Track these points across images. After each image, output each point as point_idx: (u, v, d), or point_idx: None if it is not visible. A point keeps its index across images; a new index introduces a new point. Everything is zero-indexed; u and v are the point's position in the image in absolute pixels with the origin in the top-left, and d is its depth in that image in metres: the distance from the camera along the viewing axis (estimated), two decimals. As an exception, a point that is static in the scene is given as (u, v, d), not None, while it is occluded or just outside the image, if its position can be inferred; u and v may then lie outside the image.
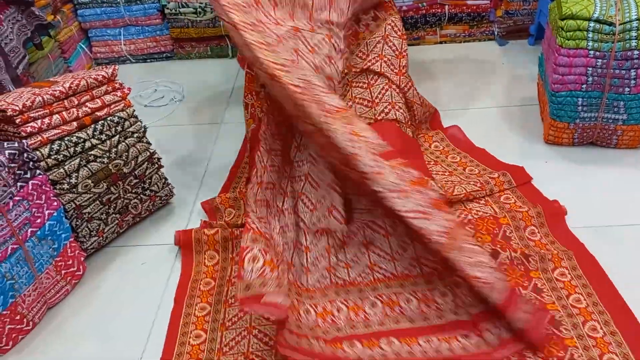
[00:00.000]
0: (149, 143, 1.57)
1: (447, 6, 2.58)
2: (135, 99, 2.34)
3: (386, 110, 1.72)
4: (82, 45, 2.72)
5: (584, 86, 1.67)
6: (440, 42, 2.66)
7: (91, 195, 1.45)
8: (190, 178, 1.82)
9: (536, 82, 2.07)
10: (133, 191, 1.55)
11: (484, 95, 2.17)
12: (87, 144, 1.43)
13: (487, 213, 1.55)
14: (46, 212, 1.33)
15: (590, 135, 1.76)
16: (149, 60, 2.79)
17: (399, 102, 1.77)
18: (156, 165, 1.59)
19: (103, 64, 2.80)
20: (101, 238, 1.51)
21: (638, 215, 1.51)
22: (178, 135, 2.09)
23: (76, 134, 1.41)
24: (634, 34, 1.57)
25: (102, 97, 1.46)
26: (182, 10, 2.60)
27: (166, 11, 2.63)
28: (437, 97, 2.12)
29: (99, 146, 1.45)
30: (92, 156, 1.43)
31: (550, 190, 1.60)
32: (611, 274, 1.32)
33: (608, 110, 1.68)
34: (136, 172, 1.54)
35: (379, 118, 1.71)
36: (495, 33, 2.60)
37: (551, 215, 1.51)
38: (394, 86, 1.76)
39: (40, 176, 1.32)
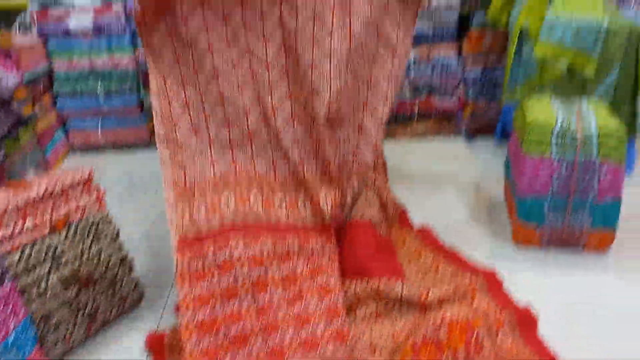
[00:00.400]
0: (121, 245, 1.55)
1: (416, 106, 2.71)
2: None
3: (361, 210, 1.75)
4: (60, 133, 2.74)
5: (550, 191, 1.73)
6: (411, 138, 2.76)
7: (60, 301, 1.41)
8: (162, 277, 1.79)
9: (502, 183, 2.15)
10: (103, 295, 1.51)
11: (452, 192, 2.23)
12: (59, 249, 1.41)
13: (459, 316, 1.55)
14: (12, 323, 1.29)
15: (559, 237, 1.81)
16: (125, 149, 2.81)
17: (375, 203, 1.80)
18: (127, 268, 1.57)
19: (79, 151, 2.81)
20: (67, 345, 1.46)
21: (604, 324, 1.53)
22: (156, 226, 2.07)
23: (48, 239, 1.39)
24: (594, 145, 1.66)
25: (76, 200, 1.46)
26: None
27: (145, 104, 2.68)
28: (405, 194, 2.17)
29: (71, 250, 1.43)
30: (63, 261, 1.41)
31: (520, 294, 1.61)
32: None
33: (574, 215, 1.74)
34: (107, 276, 1.51)
35: (354, 218, 1.73)
36: (463, 131, 2.71)
37: (523, 322, 1.52)
38: (372, 186, 1.81)
39: (8, 285, 1.29)
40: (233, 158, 1.68)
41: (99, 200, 1.51)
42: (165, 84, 1.63)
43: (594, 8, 2.11)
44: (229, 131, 1.67)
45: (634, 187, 1.76)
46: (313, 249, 1.61)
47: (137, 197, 2.33)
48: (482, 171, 2.38)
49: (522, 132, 1.79)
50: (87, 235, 1.47)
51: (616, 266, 1.75)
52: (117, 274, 1.53)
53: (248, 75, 1.64)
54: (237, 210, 1.57)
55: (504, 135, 2.61)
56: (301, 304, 1.49)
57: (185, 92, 1.64)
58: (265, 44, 1.62)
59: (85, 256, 1.45)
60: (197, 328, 1.37)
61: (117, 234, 1.54)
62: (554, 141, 1.70)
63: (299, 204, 1.68)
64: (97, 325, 1.53)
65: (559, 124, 1.70)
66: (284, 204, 1.66)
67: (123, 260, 1.55)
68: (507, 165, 2.02)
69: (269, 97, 1.65)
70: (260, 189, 1.65)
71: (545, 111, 1.77)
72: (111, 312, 1.55)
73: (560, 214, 1.75)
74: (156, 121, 1.64)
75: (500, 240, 1.89)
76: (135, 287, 1.60)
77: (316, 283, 1.54)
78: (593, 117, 1.72)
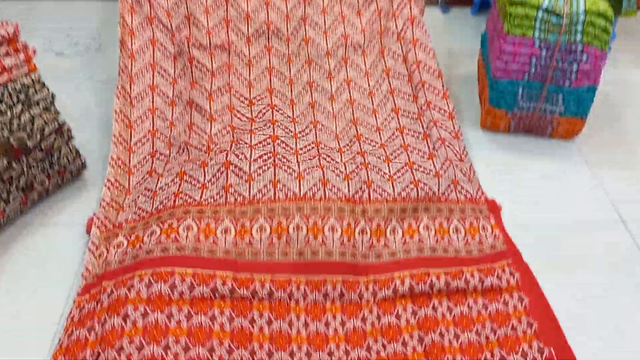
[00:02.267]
0: (57, 112, 1.39)
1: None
2: (44, 46, 2.09)
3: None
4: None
5: (527, 76, 1.63)
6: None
7: (-12, 172, 1.27)
8: (108, 145, 1.65)
9: (476, 58, 2.03)
10: (39, 166, 1.38)
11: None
12: (-17, 115, 1.24)
13: None
14: None
15: (527, 124, 1.74)
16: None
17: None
18: (66, 137, 1.42)
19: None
20: (2, 218, 1.35)
21: (566, 212, 1.53)
22: (96, 94, 1.88)
23: (-31, 103, 1.22)
24: (579, 27, 1.54)
25: (1, 61, 1.27)
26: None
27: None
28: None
29: (-2, 117, 1.27)
30: (-11, 129, 1.25)
31: (484, 181, 1.57)
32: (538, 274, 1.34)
33: (547, 101, 1.66)
34: (42, 146, 1.37)
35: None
36: (439, 0, 2.51)
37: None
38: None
39: None
40: None
41: (28, 61, 1.32)
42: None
43: None
44: None
45: (606, 73, 1.68)
46: None
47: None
48: (455, 46, 2.23)
49: (503, 9, 1.64)
50: (17, 101, 1.30)
51: (581, 153, 1.73)
52: (53, 143, 1.39)
53: None
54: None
55: (482, 7, 2.44)
56: None
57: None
58: None
59: (15, 124, 1.29)
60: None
61: (52, 100, 1.38)
62: (537, 20, 1.56)
63: None
64: (33, 197, 1.41)
65: (546, 3, 1.55)
66: None
67: (59, 128, 1.40)
68: (484, 44, 1.89)
69: None
70: None
71: (532, -14, 1.60)
72: (49, 184, 1.43)
73: (533, 99, 1.66)
74: None
75: (468, 125, 1.82)
76: (75, 157, 1.47)
77: None
78: (583, -3, 1.58)
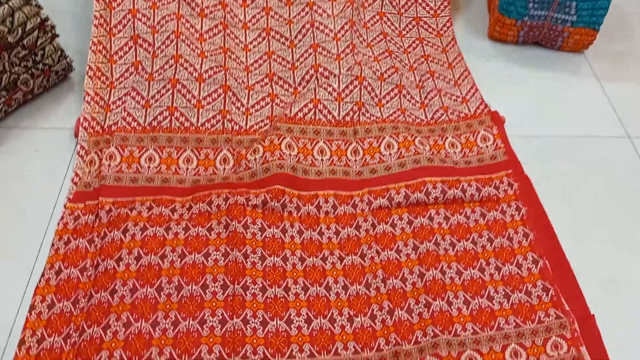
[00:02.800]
0: (39, 7, 1.30)
1: None
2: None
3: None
4: None
5: (539, -19, 1.53)
6: None
7: (-33, 68, 1.21)
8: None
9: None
10: (22, 65, 1.31)
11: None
12: (-42, 5, 1.16)
13: None
14: None
15: (536, 34, 1.66)
16: None
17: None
18: (49, 34, 1.34)
19: None
20: (-15, 118, 1.30)
21: (571, 125, 1.48)
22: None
23: (-58, -9, 1.14)
24: None
25: (-26, -56, 1.17)
26: None
27: None
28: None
29: (-26, 8, 1.19)
30: (-34, 20, 1.18)
31: (489, 92, 1.51)
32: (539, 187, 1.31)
33: (559, 10, 1.56)
34: (24, 42, 1.29)
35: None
36: None
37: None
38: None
39: None
40: None
41: (4, -54, 1.22)
42: None
43: None
44: None
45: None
46: None
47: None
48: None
49: None
50: (-7, -10, 1.21)
51: (591, 67, 1.65)
52: (36, 40, 1.31)
53: None
54: None
55: None
56: None
57: None
58: None
59: (-7, 17, 1.21)
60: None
61: (33, -8, 1.29)
62: None
63: None
64: (18, 98, 1.35)
65: None
66: None
67: (42, 24, 1.32)
68: (495, -54, 1.76)
69: None
70: None
71: None
72: (34, 84, 1.37)
73: (544, 7, 1.57)
74: None
75: (476, 35, 1.73)
76: (60, 57, 1.40)
77: None
78: None
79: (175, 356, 0.99)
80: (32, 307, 1.04)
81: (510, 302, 1.10)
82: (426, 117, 1.44)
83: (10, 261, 1.13)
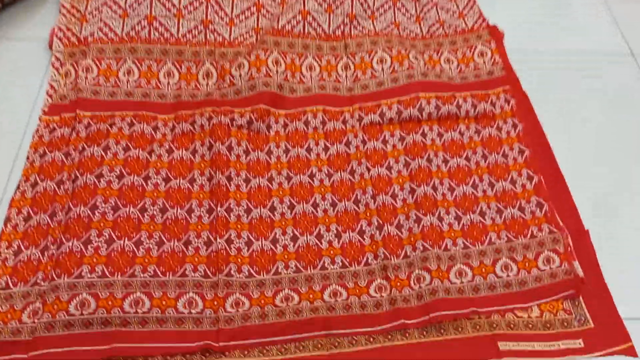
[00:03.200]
0: None
1: None
2: None
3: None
4: None
5: None
6: None
7: None
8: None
9: None
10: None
11: None
12: None
13: None
14: None
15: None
16: None
17: None
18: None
19: None
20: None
21: (573, 41, 1.42)
22: None
23: None
24: None
25: None
26: None
27: None
28: None
29: None
30: None
31: (488, 6, 1.43)
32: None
33: None
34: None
35: None
36: None
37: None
38: None
39: None
40: None
41: None
42: None
43: None
44: None
45: None
46: None
47: None
48: None
49: None
50: None
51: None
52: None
53: None
54: None
55: None
56: None
57: None
58: None
59: None
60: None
61: None
62: None
63: None
64: (-13, 5, 1.27)
65: None
66: None
67: None
68: None
69: None
70: None
71: None
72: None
73: None
74: None
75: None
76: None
77: None
78: None
79: (159, 273, 0.96)
80: (8, 219, 1.00)
81: (502, 218, 1.07)
82: (421, 31, 1.37)
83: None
